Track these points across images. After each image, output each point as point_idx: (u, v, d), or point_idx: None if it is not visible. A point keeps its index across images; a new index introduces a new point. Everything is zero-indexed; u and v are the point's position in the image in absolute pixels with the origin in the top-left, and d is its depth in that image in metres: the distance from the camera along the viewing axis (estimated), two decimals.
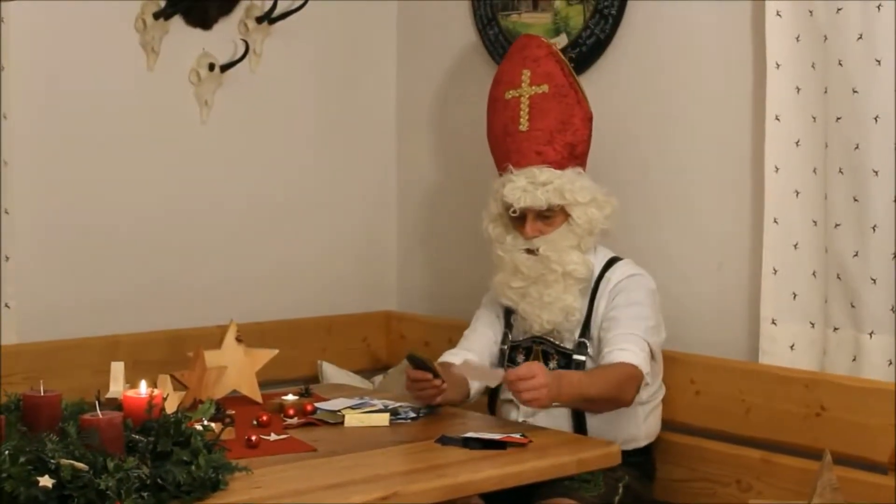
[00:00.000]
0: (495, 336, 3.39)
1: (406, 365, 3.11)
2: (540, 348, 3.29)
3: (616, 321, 3.17)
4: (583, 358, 3.21)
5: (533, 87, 3.32)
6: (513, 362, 3.32)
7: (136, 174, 3.76)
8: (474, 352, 3.34)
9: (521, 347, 3.33)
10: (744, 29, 3.38)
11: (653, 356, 3.21)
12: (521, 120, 3.31)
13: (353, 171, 4.27)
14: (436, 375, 3.04)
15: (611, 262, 3.29)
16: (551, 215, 3.23)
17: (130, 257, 3.75)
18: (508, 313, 3.36)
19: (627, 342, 3.11)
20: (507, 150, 3.34)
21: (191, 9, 3.81)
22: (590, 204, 3.23)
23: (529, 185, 3.21)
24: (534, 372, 2.91)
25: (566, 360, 3.24)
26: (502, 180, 3.29)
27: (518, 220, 3.26)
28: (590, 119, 3.34)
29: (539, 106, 3.30)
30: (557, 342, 3.26)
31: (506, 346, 3.36)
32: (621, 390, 3.05)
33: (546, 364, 3.26)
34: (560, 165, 3.25)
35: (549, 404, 2.96)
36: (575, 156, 3.30)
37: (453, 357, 3.31)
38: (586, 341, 3.22)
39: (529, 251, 3.24)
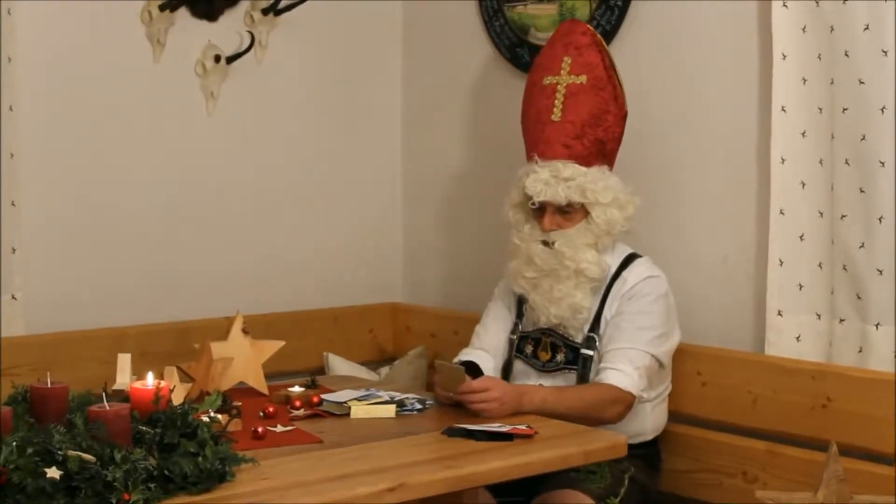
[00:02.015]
0: (506, 331, 3.39)
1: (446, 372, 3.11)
2: (549, 340, 3.28)
3: (620, 331, 3.17)
4: (591, 353, 3.21)
5: (571, 77, 3.29)
6: (521, 352, 3.33)
7: (143, 166, 3.77)
8: (488, 350, 3.36)
9: (530, 338, 3.33)
10: (750, 20, 3.37)
11: (661, 365, 3.22)
12: (555, 109, 3.28)
13: (360, 162, 4.27)
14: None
15: (628, 260, 3.27)
16: (571, 211, 3.22)
17: (137, 249, 3.76)
18: (520, 303, 3.35)
19: (623, 361, 3.12)
20: (536, 139, 3.30)
21: (196, 0, 3.81)
22: (611, 204, 3.20)
23: (552, 179, 3.19)
24: (487, 386, 2.99)
25: (574, 354, 3.24)
26: (526, 170, 3.26)
27: (538, 211, 3.25)
28: (624, 117, 3.31)
29: (574, 97, 3.26)
30: (567, 335, 3.26)
31: (515, 336, 3.36)
32: (598, 411, 3.07)
33: (553, 357, 3.27)
34: (587, 162, 3.22)
35: (503, 416, 2.96)
36: (604, 153, 3.27)
37: (467, 357, 3.33)
38: (595, 336, 3.22)
39: (545, 243, 3.23)
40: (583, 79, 3.28)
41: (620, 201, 3.23)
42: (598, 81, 3.27)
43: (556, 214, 3.22)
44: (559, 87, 3.29)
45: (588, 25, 3.42)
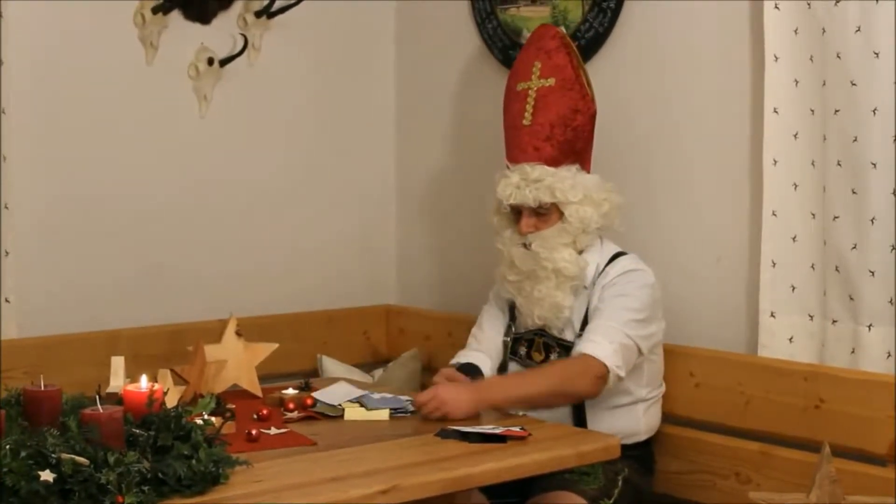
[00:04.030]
0: (501, 333, 3.39)
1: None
2: (542, 340, 3.29)
3: (599, 311, 3.18)
4: None
5: (541, 81, 3.31)
6: (515, 354, 3.34)
7: (136, 169, 3.77)
8: (485, 352, 3.37)
9: (523, 339, 3.33)
10: (742, 22, 3.38)
11: (639, 351, 3.19)
12: (526, 114, 3.30)
13: (353, 164, 4.28)
14: None
15: (614, 258, 3.28)
16: (546, 212, 3.23)
17: (130, 252, 3.76)
18: (512, 306, 3.36)
19: (598, 333, 3.12)
20: (511, 145, 3.34)
21: (189, 3, 3.81)
22: (583, 202, 3.22)
23: (521, 182, 3.22)
24: (431, 395, 3.00)
25: (567, 352, 3.24)
26: (499, 176, 3.29)
27: (516, 215, 3.28)
28: (593, 115, 3.32)
29: (544, 100, 3.29)
30: (558, 335, 3.26)
31: (508, 339, 3.37)
32: (569, 382, 3.07)
33: (547, 356, 3.27)
34: (556, 162, 3.24)
35: (470, 414, 2.97)
36: (574, 151, 3.29)
37: (465, 358, 3.34)
38: None
39: (525, 246, 3.25)
40: (551, 81, 3.30)
41: (594, 199, 3.24)
42: (566, 82, 3.30)
43: (531, 217, 3.25)
44: (530, 91, 3.32)
45: (559, 28, 3.45)
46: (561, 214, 3.23)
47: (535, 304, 3.23)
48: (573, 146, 3.28)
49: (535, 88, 3.32)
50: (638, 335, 3.18)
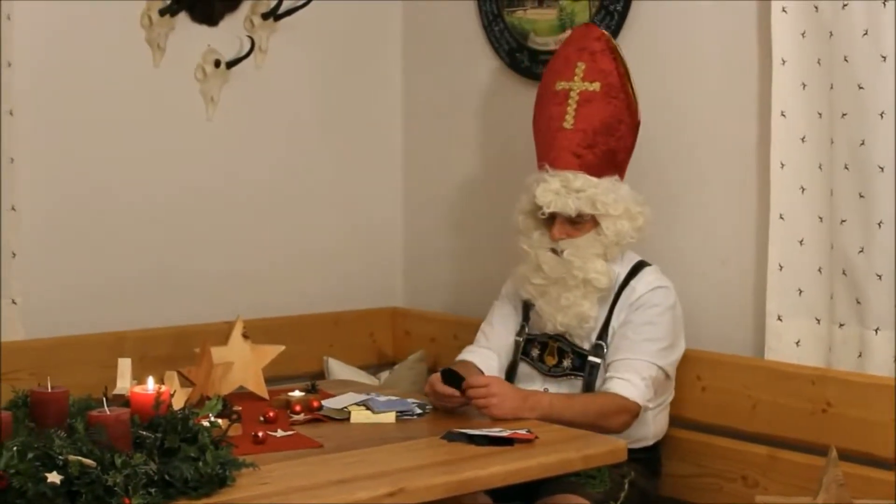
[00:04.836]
0: (513, 332, 3.38)
1: (436, 376, 3.11)
2: (556, 345, 3.28)
3: (627, 342, 3.17)
4: (598, 360, 3.21)
5: (584, 83, 3.24)
6: (527, 355, 3.32)
7: (142, 171, 3.77)
8: (494, 349, 3.35)
9: (536, 341, 3.32)
10: (749, 25, 3.38)
11: (667, 376, 3.22)
12: (567, 117, 3.23)
13: (359, 166, 4.28)
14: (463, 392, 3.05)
15: (637, 268, 3.27)
16: (580, 221, 3.19)
17: (136, 253, 3.76)
18: (527, 306, 3.34)
19: (630, 371, 3.12)
20: (548, 147, 3.26)
21: (196, 5, 3.81)
22: (621, 216, 3.19)
23: (562, 190, 3.16)
24: (486, 382, 3.01)
25: (581, 361, 3.23)
26: (536, 178, 3.23)
27: (547, 220, 3.23)
28: (636, 126, 3.28)
29: (587, 105, 3.22)
30: (574, 341, 3.25)
31: (521, 339, 3.35)
32: (605, 420, 3.07)
33: (560, 362, 3.26)
34: (598, 172, 3.19)
35: (504, 417, 2.96)
36: (615, 163, 3.24)
37: (472, 355, 3.33)
38: (603, 344, 3.21)
39: (554, 251, 3.21)
40: (596, 86, 3.24)
41: (631, 212, 3.21)
42: (612, 89, 3.24)
43: (565, 224, 3.20)
44: (572, 93, 3.25)
45: (603, 31, 3.37)
46: (595, 224, 3.21)
47: (559, 310, 3.20)
48: (615, 157, 3.24)
49: (578, 91, 3.24)
50: (667, 363, 3.20)
